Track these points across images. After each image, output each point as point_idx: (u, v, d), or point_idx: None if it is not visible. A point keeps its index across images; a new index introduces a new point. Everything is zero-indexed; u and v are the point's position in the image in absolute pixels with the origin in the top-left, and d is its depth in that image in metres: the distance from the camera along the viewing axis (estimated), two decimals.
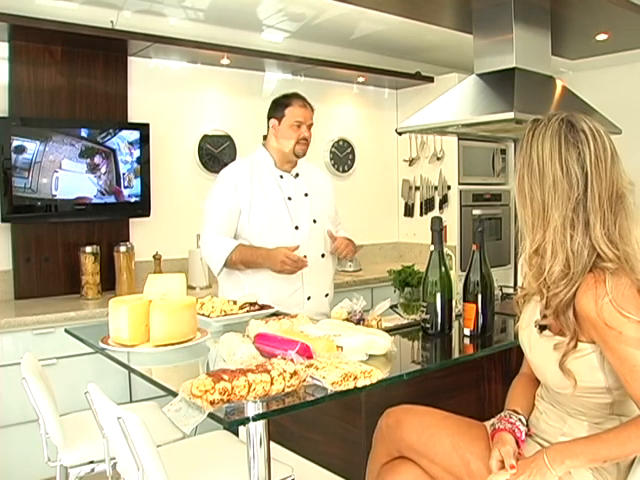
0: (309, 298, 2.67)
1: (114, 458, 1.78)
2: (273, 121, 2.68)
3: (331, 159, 4.63)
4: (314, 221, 2.71)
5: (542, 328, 1.45)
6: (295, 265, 2.49)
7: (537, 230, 1.42)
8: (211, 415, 1.30)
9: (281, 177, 2.70)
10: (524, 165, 1.44)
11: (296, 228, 2.65)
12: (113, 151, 3.49)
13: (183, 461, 1.82)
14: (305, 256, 2.63)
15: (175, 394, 1.38)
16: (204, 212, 2.69)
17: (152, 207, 3.64)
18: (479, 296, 1.99)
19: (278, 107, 2.67)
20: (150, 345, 1.83)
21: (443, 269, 2.03)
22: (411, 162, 4.88)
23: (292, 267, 2.49)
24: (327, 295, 2.77)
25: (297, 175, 2.74)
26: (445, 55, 4.49)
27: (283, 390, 1.40)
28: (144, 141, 3.59)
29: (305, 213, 2.69)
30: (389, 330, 2.00)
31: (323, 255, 2.72)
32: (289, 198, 2.67)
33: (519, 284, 1.64)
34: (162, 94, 3.83)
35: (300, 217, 2.67)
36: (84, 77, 3.47)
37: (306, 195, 2.72)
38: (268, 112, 2.72)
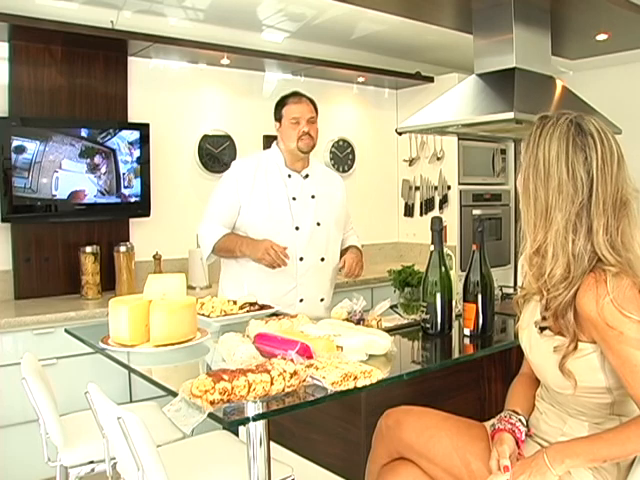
0: (301, 300, 2.65)
1: (114, 458, 1.78)
2: (276, 124, 2.72)
3: (331, 159, 4.63)
4: (318, 224, 2.68)
5: (542, 328, 1.45)
6: (277, 257, 2.45)
7: (539, 231, 1.41)
8: (211, 415, 1.30)
9: (289, 176, 2.69)
10: (530, 164, 1.43)
11: (296, 229, 2.63)
12: (113, 151, 3.48)
13: (183, 461, 1.82)
14: (302, 258, 2.62)
15: (175, 394, 1.38)
16: (209, 202, 2.74)
17: (152, 207, 3.64)
18: (479, 296, 1.99)
19: (277, 109, 2.72)
20: (150, 345, 1.83)
21: (443, 269, 2.03)
22: (411, 162, 4.88)
23: (273, 257, 2.44)
24: (322, 300, 2.74)
25: (307, 176, 2.72)
26: (445, 55, 4.49)
27: (283, 390, 1.40)
28: (144, 141, 3.59)
29: (309, 215, 2.67)
30: (389, 330, 2.00)
31: (323, 259, 2.70)
32: (293, 198, 2.66)
33: (519, 284, 1.64)
34: (162, 94, 3.83)
35: (302, 218, 2.66)
36: (84, 77, 3.47)
37: (313, 197, 2.70)
38: (273, 116, 2.76)
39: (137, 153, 3.57)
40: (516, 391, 1.65)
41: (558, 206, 1.38)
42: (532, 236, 1.44)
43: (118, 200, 3.52)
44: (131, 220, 3.68)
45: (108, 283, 3.45)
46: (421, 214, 4.85)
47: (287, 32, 3.97)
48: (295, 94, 2.72)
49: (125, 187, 3.54)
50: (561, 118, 1.42)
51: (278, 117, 2.71)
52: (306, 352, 1.59)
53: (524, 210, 1.46)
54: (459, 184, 4.64)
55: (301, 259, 2.63)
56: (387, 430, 1.67)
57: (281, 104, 2.71)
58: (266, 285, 2.56)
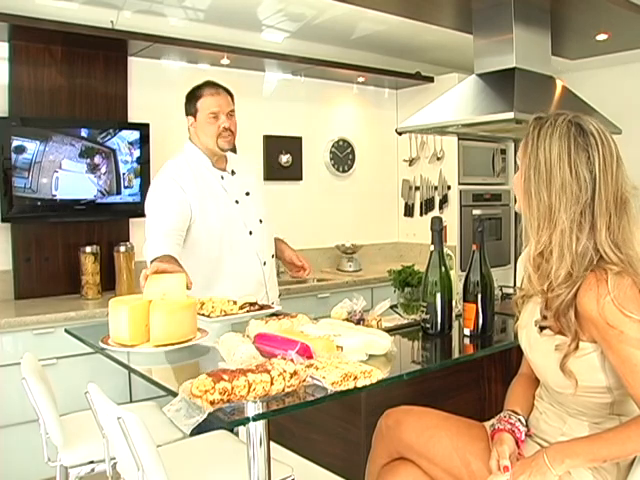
0: (272, 303, 2.48)
1: (114, 458, 1.78)
2: (190, 119, 2.44)
3: (331, 159, 4.63)
4: (260, 221, 2.50)
5: (542, 328, 1.45)
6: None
7: (543, 232, 1.40)
8: (211, 415, 1.30)
9: (222, 178, 2.46)
10: (530, 166, 1.41)
11: (250, 233, 2.45)
12: (113, 151, 3.49)
13: (183, 461, 1.82)
14: (265, 262, 2.49)
15: (175, 394, 1.38)
16: (147, 219, 2.35)
17: None
18: (479, 296, 1.99)
19: (190, 102, 2.44)
20: (150, 345, 1.82)
21: (443, 269, 2.02)
22: (411, 162, 4.88)
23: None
24: (280, 296, 2.67)
25: (233, 172, 2.51)
26: (445, 55, 4.49)
27: (283, 390, 1.39)
28: (144, 141, 3.59)
29: (252, 214, 2.47)
30: (389, 330, 2.00)
31: (273, 256, 2.58)
32: (236, 201, 2.44)
33: (518, 284, 1.64)
34: (162, 94, 3.83)
35: (250, 220, 2.45)
36: (84, 77, 3.47)
37: (248, 194, 2.49)
38: (184, 109, 2.48)
39: (137, 153, 3.57)
40: (515, 391, 1.65)
41: (562, 207, 1.37)
42: (536, 237, 1.42)
43: (118, 200, 3.52)
44: (131, 220, 3.68)
45: (108, 283, 3.45)
46: (421, 214, 4.85)
47: (287, 32, 3.97)
48: (211, 84, 2.44)
49: (125, 187, 3.54)
50: (559, 119, 1.41)
51: (192, 111, 2.42)
52: (306, 352, 1.59)
53: (525, 212, 1.45)
54: (459, 184, 4.64)
55: (265, 263, 2.51)
56: (387, 430, 1.67)
57: (195, 96, 2.42)
58: (238, 294, 2.26)
